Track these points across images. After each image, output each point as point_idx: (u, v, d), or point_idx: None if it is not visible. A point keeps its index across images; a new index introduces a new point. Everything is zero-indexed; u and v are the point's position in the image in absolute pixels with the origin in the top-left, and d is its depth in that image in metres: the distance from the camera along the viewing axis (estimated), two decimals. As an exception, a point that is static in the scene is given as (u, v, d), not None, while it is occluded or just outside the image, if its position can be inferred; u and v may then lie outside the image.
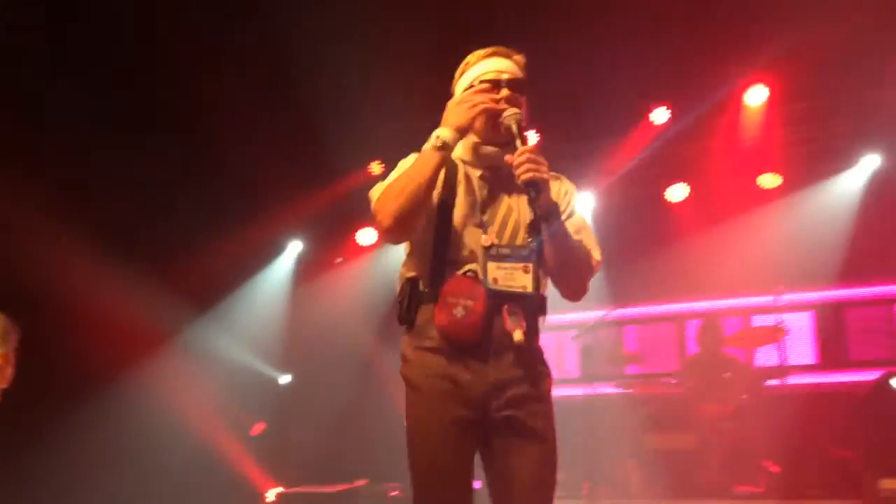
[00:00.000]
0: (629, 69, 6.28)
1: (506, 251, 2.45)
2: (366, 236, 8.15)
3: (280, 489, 6.80)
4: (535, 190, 2.34)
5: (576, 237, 2.54)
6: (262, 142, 6.75)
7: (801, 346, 7.04)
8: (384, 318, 7.27)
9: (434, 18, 5.72)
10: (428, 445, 2.41)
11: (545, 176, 2.37)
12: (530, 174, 2.34)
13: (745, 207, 6.82)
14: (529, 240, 2.47)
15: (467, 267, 2.44)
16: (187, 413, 6.56)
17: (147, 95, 6.18)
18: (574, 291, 2.55)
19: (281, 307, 8.09)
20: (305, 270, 8.31)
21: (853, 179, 6.87)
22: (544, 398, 2.47)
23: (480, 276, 2.42)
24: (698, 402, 6.21)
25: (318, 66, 6.11)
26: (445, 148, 2.42)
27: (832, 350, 7.12)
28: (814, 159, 6.82)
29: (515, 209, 2.53)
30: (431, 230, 2.48)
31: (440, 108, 2.51)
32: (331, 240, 8.25)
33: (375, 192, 2.51)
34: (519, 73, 2.59)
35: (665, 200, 7.25)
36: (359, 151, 7.27)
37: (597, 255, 2.58)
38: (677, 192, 7.26)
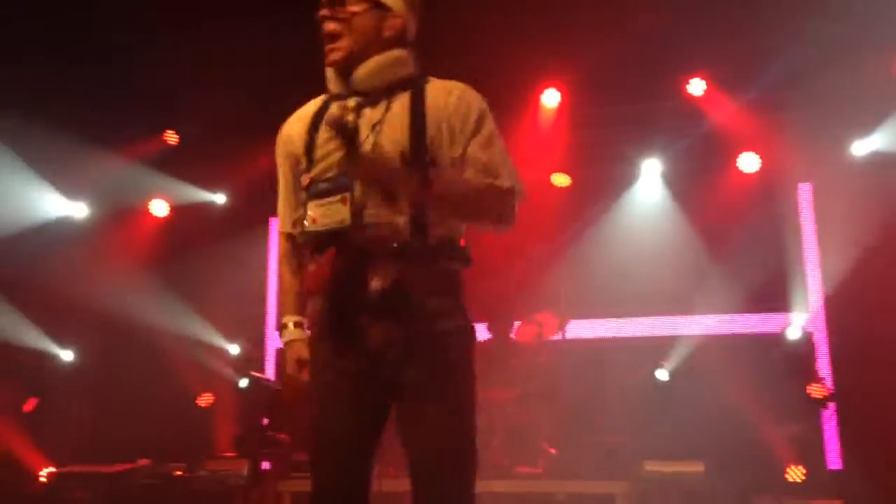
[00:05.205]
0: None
1: (324, 185, 2.26)
2: (160, 207, 7.80)
3: (52, 469, 6.43)
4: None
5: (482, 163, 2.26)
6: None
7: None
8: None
9: None
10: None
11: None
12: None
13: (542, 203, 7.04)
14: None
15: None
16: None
17: None
18: (493, 229, 2.35)
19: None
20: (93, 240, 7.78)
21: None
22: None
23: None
24: (485, 387, 6.43)
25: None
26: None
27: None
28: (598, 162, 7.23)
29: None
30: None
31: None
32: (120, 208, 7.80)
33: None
34: None
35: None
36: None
37: (505, 180, 2.27)
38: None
